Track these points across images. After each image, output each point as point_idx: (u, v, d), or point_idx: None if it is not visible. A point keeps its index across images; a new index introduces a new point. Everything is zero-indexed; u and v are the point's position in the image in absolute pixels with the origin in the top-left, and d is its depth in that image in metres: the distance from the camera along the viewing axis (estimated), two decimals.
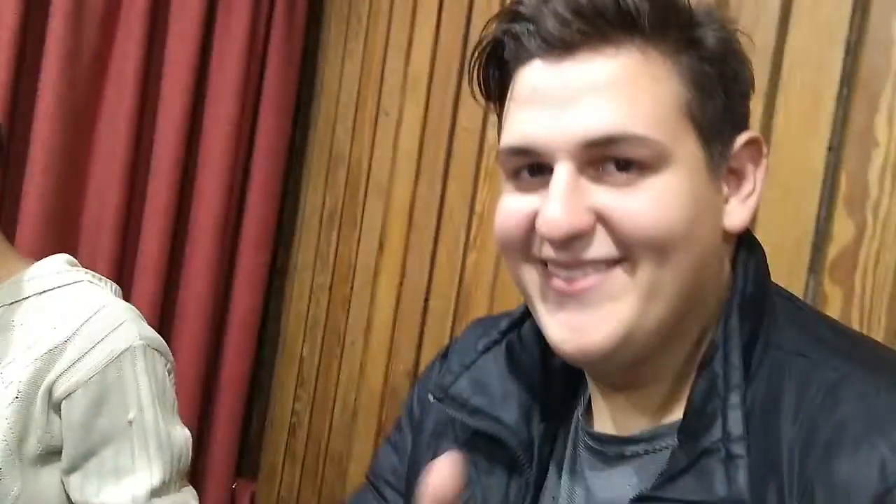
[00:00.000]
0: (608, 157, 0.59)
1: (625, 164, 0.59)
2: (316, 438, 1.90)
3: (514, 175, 0.64)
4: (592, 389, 0.70)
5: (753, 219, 0.67)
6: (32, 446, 1.07)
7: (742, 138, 0.64)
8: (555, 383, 0.72)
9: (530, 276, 0.64)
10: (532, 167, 0.62)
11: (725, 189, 0.64)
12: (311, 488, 1.88)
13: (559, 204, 0.59)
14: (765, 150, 0.65)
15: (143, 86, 1.84)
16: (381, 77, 1.83)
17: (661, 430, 0.64)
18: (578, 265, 0.60)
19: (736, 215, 0.64)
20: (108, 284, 1.18)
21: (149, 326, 1.15)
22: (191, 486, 1.16)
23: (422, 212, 1.68)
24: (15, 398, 1.06)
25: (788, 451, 0.56)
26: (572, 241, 0.60)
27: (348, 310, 1.86)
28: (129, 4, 1.83)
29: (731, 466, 0.56)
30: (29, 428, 1.07)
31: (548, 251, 0.61)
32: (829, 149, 0.98)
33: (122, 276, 1.85)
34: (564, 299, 0.61)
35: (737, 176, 0.64)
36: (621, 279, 0.60)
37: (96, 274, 1.19)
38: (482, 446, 0.71)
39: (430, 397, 0.74)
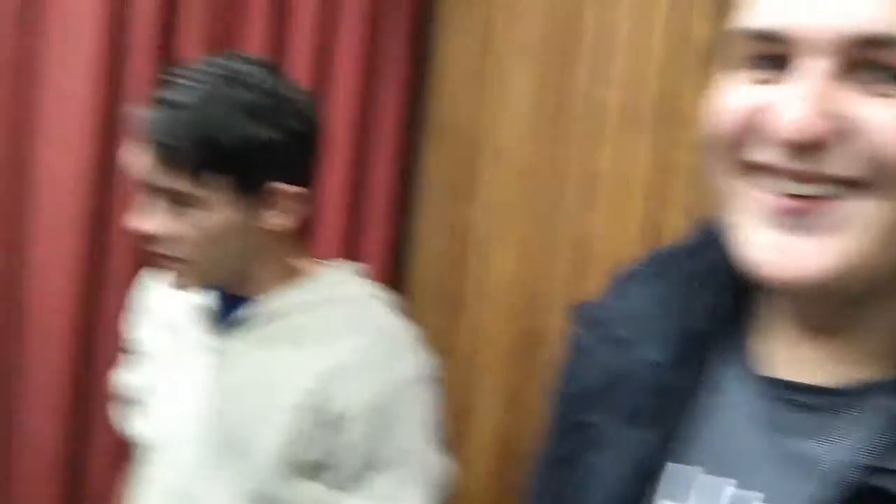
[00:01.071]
0: (876, 62, 0.50)
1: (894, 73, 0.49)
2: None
3: (747, 63, 0.54)
4: (784, 330, 0.60)
5: None
6: (302, 457, 1.04)
7: None
8: (715, 323, 0.62)
9: (733, 183, 0.55)
10: (772, 57, 0.53)
11: None
12: None
13: (807, 104, 0.50)
14: None
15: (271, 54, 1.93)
16: (496, 43, 1.86)
17: (873, 386, 0.55)
18: (812, 179, 0.51)
19: None
20: (392, 301, 1.14)
21: (427, 352, 1.10)
22: None
23: (539, 174, 1.70)
24: (294, 405, 1.03)
25: None
26: (811, 150, 0.50)
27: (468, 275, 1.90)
28: None
29: None
30: (303, 438, 1.04)
31: (774, 157, 0.52)
32: None
33: None
34: (780, 217, 0.52)
35: None
36: (858, 206, 0.50)
37: (379, 286, 1.16)
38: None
39: (576, 320, 0.68)
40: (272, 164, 1.01)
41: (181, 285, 1.06)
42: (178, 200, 0.99)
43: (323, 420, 1.03)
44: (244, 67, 1.01)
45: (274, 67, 1.06)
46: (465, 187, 1.94)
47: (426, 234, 2.11)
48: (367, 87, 2.04)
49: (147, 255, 1.78)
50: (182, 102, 0.97)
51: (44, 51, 1.78)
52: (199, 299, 1.11)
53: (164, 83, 1.00)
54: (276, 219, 1.04)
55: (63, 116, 1.78)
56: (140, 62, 1.82)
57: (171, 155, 0.97)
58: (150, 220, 1.01)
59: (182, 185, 0.98)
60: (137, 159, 1.00)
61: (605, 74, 1.61)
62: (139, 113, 1.00)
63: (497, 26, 1.87)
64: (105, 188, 1.82)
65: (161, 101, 0.98)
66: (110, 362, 1.84)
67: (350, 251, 2.07)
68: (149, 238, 1.02)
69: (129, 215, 1.03)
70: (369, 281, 1.16)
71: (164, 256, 1.03)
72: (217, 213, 1.00)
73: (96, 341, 1.87)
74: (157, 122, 0.98)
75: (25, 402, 1.83)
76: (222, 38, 1.90)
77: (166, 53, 1.83)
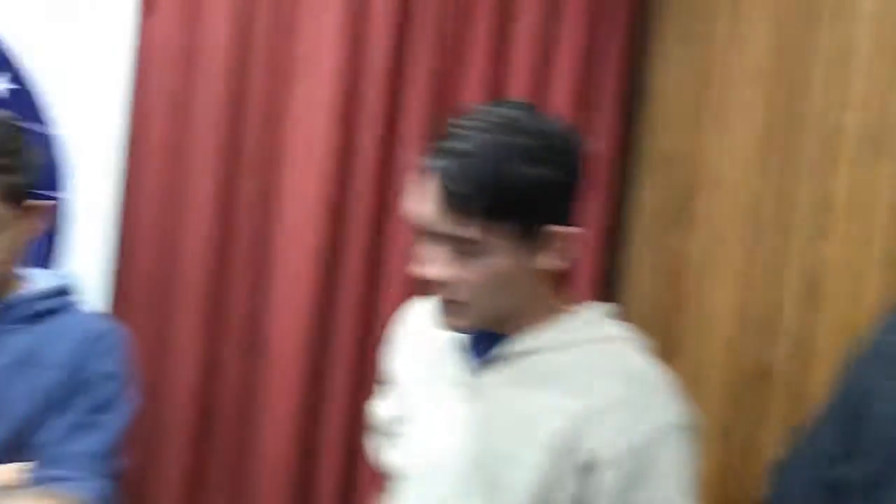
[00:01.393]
0: None
1: None
2: None
3: None
4: None
5: None
6: (551, 499, 1.02)
7: None
8: None
9: None
10: None
11: None
12: None
13: None
14: None
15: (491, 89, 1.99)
16: (716, 69, 1.80)
17: None
18: None
19: None
20: (646, 344, 1.11)
21: (682, 399, 1.07)
22: None
23: (765, 202, 1.62)
24: (547, 446, 1.02)
25: None
26: None
27: (684, 309, 1.83)
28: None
29: None
30: (554, 479, 1.02)
31: None
32: None
33: None
34: None
35: None
36: None
37: (633, 328, 1.12)
38: None
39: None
40: (549, 207, 1.02)
41: (456, 327, 1.07)
42: (463, 247, 1.00)
43: (575, 463, 1.01)
44: (516, 113, 1.03)
45: (539, 110, 1.06)
46: (682, 218, 1.88)
47: (639, 268, 2.06)
48: (580, 118, 2.04)
49: (374, 290, 1.90)
50: (467, 151, 0.99)
51: (290, 97, 1.94)
52: (457, 334, 1.12)
53: (445, 134, 1.02)
54: (551, 260, 1.04)
55: (304, 156, 1.93)
56: (371, 104, 1.94)
57: (459, 203, 0.99)
58: (433, 265, 1.03)
59: (469, 231, 0.99)
60: (421, 207, 1.02)
61: (842, 95, 1.50)
62: (421, 162, 1.03)
63: (717, 52, 1.81)
64: (338, 223, 1.95)
65: (446, 151, 1.00)
66: (340, 394, 1.95)
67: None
68: (431, 283, 1.04)
69: (413, 262, 1.06)
70: (623, 323, 1.13)
71: (445, 300, 1.05)
72: (499, 257, 1.01)
73: (327, 372, 1.97)
74: (445, 172, 1.00)
75: (264, 430, 1.96)
76: (444, 80, 1.99)
77: (393, 98, 1.95)
